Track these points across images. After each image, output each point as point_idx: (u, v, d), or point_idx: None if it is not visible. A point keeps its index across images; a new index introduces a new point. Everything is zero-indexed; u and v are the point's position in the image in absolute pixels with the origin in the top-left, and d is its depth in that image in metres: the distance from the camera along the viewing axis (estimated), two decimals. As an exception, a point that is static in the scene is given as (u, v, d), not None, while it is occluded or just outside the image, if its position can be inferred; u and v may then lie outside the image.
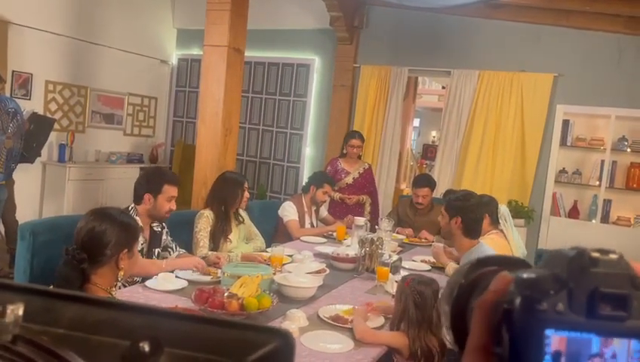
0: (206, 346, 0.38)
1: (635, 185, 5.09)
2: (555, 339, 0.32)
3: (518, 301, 0.34)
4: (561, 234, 5.09)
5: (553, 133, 5.28)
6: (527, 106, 5.31)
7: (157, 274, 2.47)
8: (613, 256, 0.34)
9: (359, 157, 4.74)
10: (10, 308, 0.33)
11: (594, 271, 0.34)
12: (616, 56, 5.00)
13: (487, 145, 5.45)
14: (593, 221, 5.17)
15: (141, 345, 0.36)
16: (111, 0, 6.24)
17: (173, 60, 7.30)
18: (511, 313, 0.34)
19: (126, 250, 1.81)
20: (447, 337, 0.45)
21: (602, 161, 5.14)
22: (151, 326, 0.39)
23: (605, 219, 5.16)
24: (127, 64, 6.54)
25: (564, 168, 5.37)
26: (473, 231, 2.82)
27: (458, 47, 5.61)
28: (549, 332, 0.32)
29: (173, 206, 2.79)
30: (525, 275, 0.35)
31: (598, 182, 5.19)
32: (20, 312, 0.33)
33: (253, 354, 0.37)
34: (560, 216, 5.33)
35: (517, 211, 5.08)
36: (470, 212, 2.82)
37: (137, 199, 2.75)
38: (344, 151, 4.69)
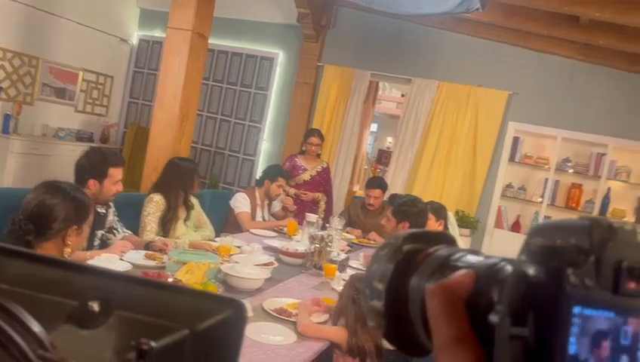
0: (158, 311, 0.37)
1: (574, 205, 5.34)
2: (581, 318, 0.28)
3: (542, 272, 0.30)
4: (503, 246, 5.28)
5: (503, 149, 5.48)
6: (482, 120, 5.48)
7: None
8: (629, 227, 0.30)
9: (318, 155, 4.77)
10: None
11: (616, 242, 0.30)
12: (567, 80, 5.23)
13: (440, 155, 5.59)
14: (539, 222, 5.37)
15: (90, 304, 0.36)
16: (72, -30, 6.01)
17: (134, 40, 7.10)
18: (535, 286, 0.29)
19: (75, 227, 1.75)
20: (371, 318, 0.41)
21: (546, 180, 5.37)
22: (101, 288, 0.38)
23: (545, 234, 5.38)
24: (85, 39, 6.32)
25: (510, 183, 5.57)
26: None
27: (421, 56, 5.72)
28: (576, 310, 0.28)
29: (119, 187, 2.69)
30: (545, 242, 0.31)
31: (540, 199, 5.41)
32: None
33: (205, 322, 0.37)
34: (503, 228, 5.53)
35: (463, 221, 5.24)
36: (418, 217, 2.90)
37: (81, 183, 2.60)
38: (303, 149, 4.71)
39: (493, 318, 0.30)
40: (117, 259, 2.44)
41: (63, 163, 5.86)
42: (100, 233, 2.74)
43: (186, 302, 0.39)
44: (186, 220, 3.24)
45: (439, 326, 0.33)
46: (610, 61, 4.89)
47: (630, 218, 5.18)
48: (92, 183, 2.59)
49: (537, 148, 5.56)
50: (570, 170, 5.37)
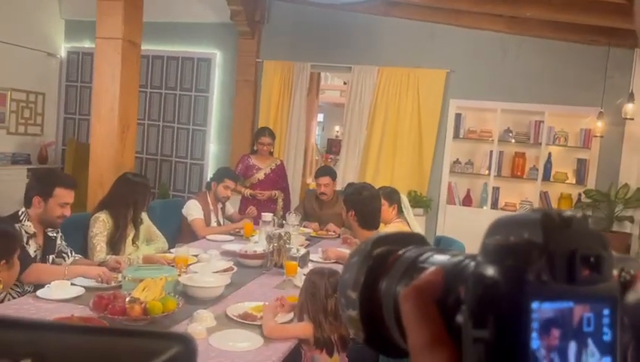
0: (97, 359, 0.35)
1: (519, 173, 5.54)
2: (539, 313, 0.29)
3: (497, 272, 0.29)
4: (456, 221, 5.42)
5: (447, 126, 5.60)
6: (423, 101, 5.58)
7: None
8: (579, 215, 0.31)
9: (271, 153, 4.73)
10: None
11: (569, 231, 0.30)
12: (500, 53, 5.39)
13: (387, 139, 5.66)
14: (484, 208, 5.56)
15: (22, 363, 0.33)
16: (-14, -14, 5.69)
17: (62, 53, 6.80)
18: (492, 287, 0.29)
19: (3, 262, 1.65)
20: (351, 327, 0.41)
21: (491, 152, 5.54)
22: (34, 342, 0.36)
23: (495, 205, 5.57)
24: (9, 57, 6.00)
25: (457, 159, 5.71)
26: (369, 222, 2.94)
27: (358, 43, 5.75)
28: (534, 305, 0.28)
29: (66, 212, 2.56)
30: (498, 241, 0.31)
31: (487, 172, 5.58)
32: None
33: (151, 363, 0.35)
34: (455, 204, 5.68)
35: (416, 201, 5.34)
36: (363, 205, 2.94)
37: (27, 202, 2.52)
38: (255, 148, 4.66)
39: (459, 319, 0.31)
40: (68, 284, 2.34)
41: (1, 189, 5.57)
42: (51, 258, 2.62)
43: (128, 345, 0.37)
44: (134, 239, 3.13)
45: (413, 329, 0.33)
46: (538, 31, 5.07)
47: (571, 179, 5.42)
48: (36, 201, 2.49)
49: (479, 123, 5.72)
50: (512, 140, 5.55)
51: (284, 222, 3.75)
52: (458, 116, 5.62)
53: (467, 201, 5.70)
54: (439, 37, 5.52)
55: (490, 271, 0.30)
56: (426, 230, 5.15)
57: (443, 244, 3.66)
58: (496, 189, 5.59)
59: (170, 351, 0.36)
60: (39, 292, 2.25)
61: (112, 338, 0.36)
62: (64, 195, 2.53)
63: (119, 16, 3.77)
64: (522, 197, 5.59)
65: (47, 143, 6.61)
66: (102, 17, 3.83)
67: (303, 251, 3.02)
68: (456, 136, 5.64)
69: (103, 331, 0.37)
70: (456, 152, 5.72)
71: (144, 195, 3.14)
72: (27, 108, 6.46)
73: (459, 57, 5.50)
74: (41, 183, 2.55)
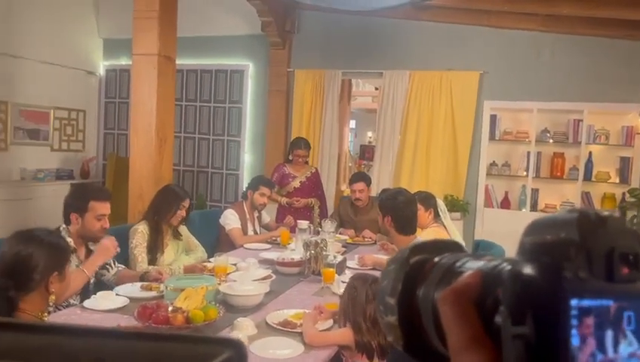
0: (155, 364, 0.37)
1: (558, 174, 5.41)
2: (578, 309, 0.29)
3: (535, 269, 0.30)
4: (495, 224, 5.32)
5: (482, 128, 5.52)
6: (457, 104, 5.52)
7: (87, 284, 2.36)
8: (616, 214, 0.31)
9: (306, 162, 4.77)
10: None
11: (606, 230, 0.30)
12: (534, 52, 5.29)
13: (421, 143, 5.62)
14: (523, 210, 5.44)
15: (84, 368, 0.35)
16: (30, 11, 5.93)
17: (101, 71, 7.03)
18: (530, 284, 0.30)
19: (56, 273, 1.71)
20: (389, 333, 0.42)
21: (528, 153, 5.43)
22: (94, 349, 0.37)
23: (534, 207, 5.45)
24: (51, 77, 6.24)
25: (494, 161, 5.62)
26: (406, 228, 2.91)
27: (388, 48, 5.74)
28: (573, 302, 0.29)
29: (105, 224, 2.60)
30: (535, 240, 0.31)
31: (525, 173, 5.47)
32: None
33: (205, 367, 0.36)
34: (493, 206, 5.58)
35: (453, 204, 5.27)
36: (399, 210, 2.91)
37: (66, 219, 2.58)
38: (290, 158, 4.70)
39: (498, 319, 0.31)
40: (113, 295, 2.40)
41: (47, 205, 5.77)
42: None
43: (182, 350, 0.38)
44: (174, 249, 3.20)
45: (452, 330, 0.34)
46: (573, 28, 4.95)
47: (614, 179, 5.25)
48: (74, 217, 2.55)
49: (515, 123, 5.61)
50: (550, 140, 5.42)
51: (320, 229, 3.76)
52: (493, 117, 5.54)
53: (505, 204, 5.59)
54: (471, 38, 5.46)
55: (527, 268, 0.30)
56: (464, 234, 5.07)
57: (482, 248, 3.60)
58: (535, 191, 5.46)
59: (223, 355, 0.37)
60: (86, 303, 2.32)
61: (167, 343, 0.38)
62: (99, 208, 2.57)
63: (154, 32, 3.87)
64: (563, 198, 5.44)
65: (88, 159, 6.83)
66: (138, 34, 3.94)
67: (339, 258, 3.02)
68: (491, 138, 5.55)
69: (159, 337, 0.39)
70: (493, 154, 5.63)
71: (169, 204, 3.17)
72: (69, 126, 6.69)
73: (492, 58, 5.42)
74: (75, 199, 2.60)
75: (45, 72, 6.14)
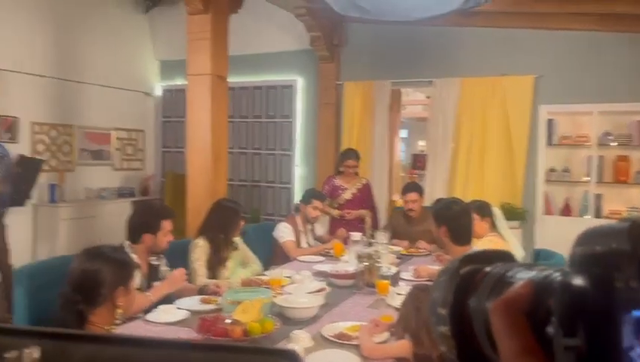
0: (218, 373, 0.39)
1: (623, 178, 5.15)
2: (630, 320, 0.28)
3: (585, 281, 0.30)
4: (555, 233, 5.12)
5: (538, 133, 5.35)
6: (511, 109, 5.38)
7: (150, 306, 2.44)
8: None
9: (356, 174, 4.76)
10: (26, 352, 0.34)
11: None
12: (591, 53, 5.10)
13: (475, 151, 5.51)
14: (586, 217, 5.21)
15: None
16: (91, 37, 6.28)
17: (158, 92, 7.33)
18: (581, 296, 0.29)
19: (122, 288, 1.79)
20: (442, 344, 0.42)
21: (589, 157, 5.21)
22: (163, 359, 0.40)
23: (598, 213, 5.20)
24: (112, 99, 6.56)
25: (552, 167, 5.43)
26: (462, 238, 2.85)
27: (438, 56, 5.69)
28: (625, 312, 0.28)
29: (170, 237, 2.79)
30: (585, 251, 0.31)
31: (587, 178, 5.24)
32: (36, 355, 0.34)
33: (265, 377, 0.38)
34: (553, 214, 5.37)
35: (510, 213, 5.12)
36: (454, 219, 2.86)
37: (135, 239, 2.70)
38: (340, 170, 4.71)
39: (550, 330, 0.31)
40: (174, 308, 2.48)
41: (110, 222, 6.06)
42: (156, 284, 2.80)
43: (244, 360, 0.40)
44: (230, 262, 3.28)
45: (503, 340, 0.35)
46: (633, 26, 4.74)
47: (686, 182, 4.96)
48: (147, 238, 2.69)
49: (574, 127, 5.41)
50: (613, 143, 5.18)
51: (373, 241, 3.75)
52: (550, 122, 5.36)
53: (566, 211, 5.38)
54: (523, 42, 5.32)
55: (578, 280, 0.30)
56: (522, 243, 4.90)
57: (543, 257, 3.47)
58: (598, 197, 5.22)
59: (281, 365, 0.39)
60: (148, 316, 2.40)
61: (229, 354, 0.40)
62: (168, 225, 2.75)
63: (207, 53, 4.01)
64: (629, 204, 5.18)
65: (148, 177, 7.11)
66: (192, 56, 4.09)
67: (394, 270, 3.00)
68: (549, 143, 5.37)
69: (221, 348, 0.41)
70: (551, 160, 5.43)
71: (234, 219, 3.26)
72: (129, 145, 7.00)
73: (546, 61, 5.26)
74: (148, 219, 2.73)
75: (106, 95, 6.47)
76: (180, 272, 2.65)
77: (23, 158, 5.25)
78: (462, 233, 2.87)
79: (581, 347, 0.29)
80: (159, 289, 2.58)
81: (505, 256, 0.43)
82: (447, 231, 2.84)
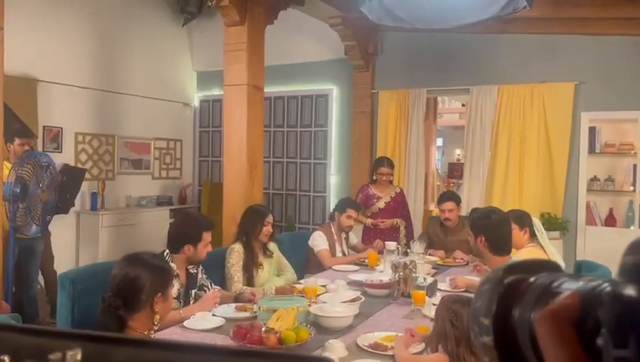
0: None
1: (671, 188, 4.95)
2: None
3: (637, 291, 0.29)
4: (599, 244, 4.95)
5: (580, 141, 5.20)
6: (551, 117, 5.26)
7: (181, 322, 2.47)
8: None
9: (390, 182, 4.73)
10: (69, 354, 0.34)
11: None
12: (635, 59, 4.93)
13: (513, 159, 5.40)
14: (632, 227, 5.03)
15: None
16: (132, 50, 6.48)
17: (195, 102, 7.48)
18: (632, 306, 0.29)
19: (160, 294, 1.82)
20: (485, 354, 0.41)
21: (634, 166, 5.03)
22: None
23: (644, 224, 5.01)
24: (151, 110, 6.74)
25: (595, 176, 5.26)
26: (501, 248, 2.79)
27: (474, 64, 5.62)
28: None
29: (209, 248, 2.82)
30: (637, 260, 0.30)
31: (632, 188, 5.06)
32: (79, 357, 0.35)
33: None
34: (596, 225, 5.20)
35: (551, 223, 4.98)
36: (493, 229, 2.80)
37: (175, 249, 2.74)
38: (374, 178, 4.69)
39: (599, 342, 0.31)
40: (210, 315, 2.51)
41: (149, 229, 6.19)
42: (193, 292, 2.84)
43: (280, 368, 0.40)
44: (266, 266, 3.31)
45: (550, 351, 0.34)
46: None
47: None
48: (187, 248, 2.72)
49: (618, 135, 5.24)
50: (660, 151, 5.00)
51: (408, 250, 3.71)
52: (592, 130, 5.20)
53: (610, 221, 5.19)
54: (563, 48, 5.20)
55: (629, 290, 0.29)
56: (564, 254, 4.76)
57: (585, 269, 3.36)
58: (644, 207, 5.03)
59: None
60: (186, 323, 2.44)
61: (267, 361, 0.40)
62: (208, 236, 2.78)
63: (243, 64, 4.08)
64: (677, 214, 4.97)
65: (185, 185, 7.25)
66: (228, 66, 4.17)
67: (430, 280, 2.95)
68: (591, 151, 5.21)
69: (258, 354, 0.41)
70: (594, 169, 5.27)
71: (254, 222, 3.32)
72: (168, 155, 7.16)
73: (587, 67, 5.12)
74: (190, 231, 2.75)
75: (146, 105, 6.64)
76: (212, 295, 2.67)
77: (67, 167, 5.44)
78: (501, 243, 2.81)
79: (632, 358, 0.28)
80: (191, 309, 2.59)
81: (550, 266, 0.42)
82: (486, 241, 2.79)
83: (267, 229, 3.35)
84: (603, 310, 0.31)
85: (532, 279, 0.40)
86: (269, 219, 3.39)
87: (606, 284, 0.32)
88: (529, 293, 0.39)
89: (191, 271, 2.82)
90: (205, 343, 0.40)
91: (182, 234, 2.76)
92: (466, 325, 1.93)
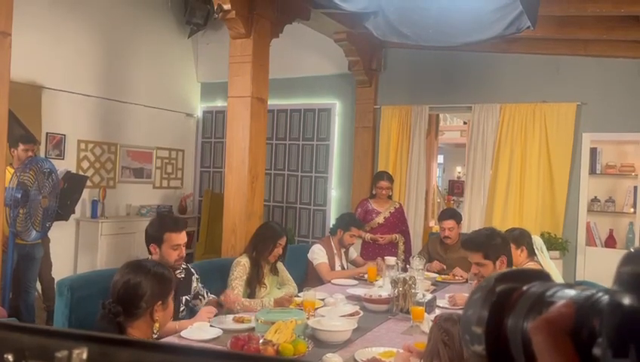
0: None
1: (672, 210, 4.95)
2: None
3: (635, 300, 0.29)
4: (598, 265, 4.94)
5: (581, 162, 5.21)
6: (552, 137, 5.27)
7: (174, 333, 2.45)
8: None
9: (389, 197, 4.73)
10: (75, 352, 0.35)
11: None
12: (638, 80, 4.96)
13: (514, 178, 5.40)
14: (632, 249, 5.00)
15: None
16: (137, 59, 6.52)
17: (198, 113, 7.51)
18: (631, 315, 0.29)
19: (160, 302, 1.82)
20: None
21: (635, 187, 5.03)
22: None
23: (644, 246, 5.00)
24: (155, 119, 6.76)
25: (595, 197, 5.26)
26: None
27: (477, 82, 5.65)
28: None
29: (181, 253, 2.67)
30: (635, 270, 0.31)
31: (632, 209, 5.06)
32: (84, 356, 0.35)
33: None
34: (596, 245, 5.19)
35: (551, 243, 4.97)
36: (509, 247, 2.85)
37: (147, 250, 2.71)
38: (373, 193, 4.70)
39: (596, 351, 0.30)
40: (207, 326, 2.50)
41: (148, 238, 6.17)
42: (184, 299, 2.81)
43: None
44: (270, 281, 3.28)
45: (547, 360, 0.34)
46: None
47: None
48: (152, 248, 2.67)
49: (619, 156, 5.25)
50: (661, 174, 5.00)
51: (408, 266, 3.70)
52: (593, 150, 5.21)
53: (610, 243, 5.18)
54: (566, 69, 5.23)
55: (628, 299, 0.29)
56: (563, 274, 4.75)
57: (584, 290, 3.35)
58: (644, 229, 5.02)
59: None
60: (183, 333, 2.42)
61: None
62: (174, 238, 2.64)
63: (248, 76, 4.10)
64: (678, 236, 4.96)
65: (186, 195, 7.25)
66: (233, 78, 4.19)
67: (429, 296, 2.94)
68: (592, 172, 5.22)
69: (260, 360, 0.41)
70: (594, 190, 5.27)
71: (266, 241, 3.26)
72: (169, 164, 7.17)
73: (590, 88, 5.15)
74: (153, 231, 2.69)
75: (149, 115, 6.67)
76: (207, 309, 2.63)
77: (69, 174, 5.44)
78: (513, 259, 2.86)
79: None
80: (186, 323, 2.55)
81: (541, 276, 0.42)
82: (507, 261, 2.78)
83: (277, 251, 3.28)
84: (600, 319, 0.31)
85: (525, 288, 0.40)
86: (282, 241, 3.31)
87: (601, 294, 0.33)
88: (522, 302, 0.39)
89: (178, 275, 2.73)
90: (209, 347, 0.40)
91: (146, 233, 2.70)
92: (458, 344, 1.92)
